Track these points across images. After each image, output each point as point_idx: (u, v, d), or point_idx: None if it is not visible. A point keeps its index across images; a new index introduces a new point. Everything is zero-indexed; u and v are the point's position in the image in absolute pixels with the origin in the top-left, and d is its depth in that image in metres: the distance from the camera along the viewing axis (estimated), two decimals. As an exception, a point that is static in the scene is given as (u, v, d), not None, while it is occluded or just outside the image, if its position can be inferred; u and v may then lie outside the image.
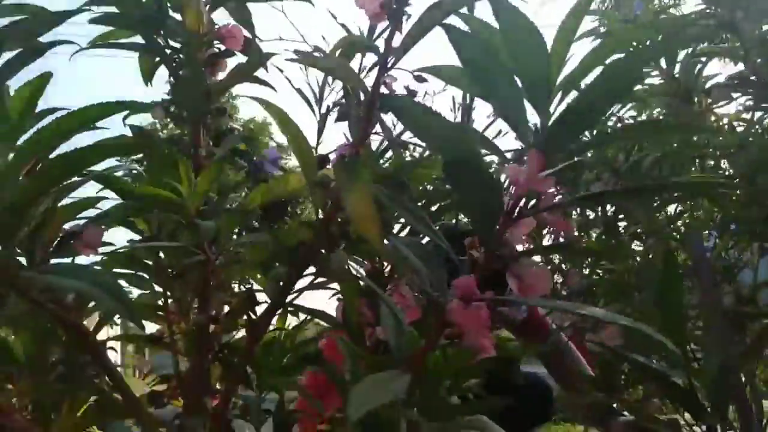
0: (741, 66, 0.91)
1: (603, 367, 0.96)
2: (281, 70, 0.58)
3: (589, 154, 1.05)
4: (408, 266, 0.41)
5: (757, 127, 0.96)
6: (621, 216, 1.05)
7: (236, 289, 0.58)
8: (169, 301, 0.60)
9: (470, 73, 0.40)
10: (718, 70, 0.98)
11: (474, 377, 0.52)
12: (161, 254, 0.54)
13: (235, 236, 0.56)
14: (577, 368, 1.18)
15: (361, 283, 0.51)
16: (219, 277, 0.55)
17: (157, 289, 0.59)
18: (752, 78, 0.88)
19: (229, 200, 0.64)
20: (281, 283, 0.47)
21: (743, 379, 0.61)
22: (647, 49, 0.38)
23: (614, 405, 1.32)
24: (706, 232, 1.19)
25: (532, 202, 0.42)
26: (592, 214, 1.04)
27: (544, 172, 0.40)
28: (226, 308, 0.62)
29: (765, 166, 0.80)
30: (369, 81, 0.44)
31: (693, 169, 0.97)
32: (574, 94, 0.41)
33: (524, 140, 0.42)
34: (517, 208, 0.42)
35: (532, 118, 0.42)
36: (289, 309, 0.66)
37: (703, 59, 0.91)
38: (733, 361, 0.51)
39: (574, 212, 1.06)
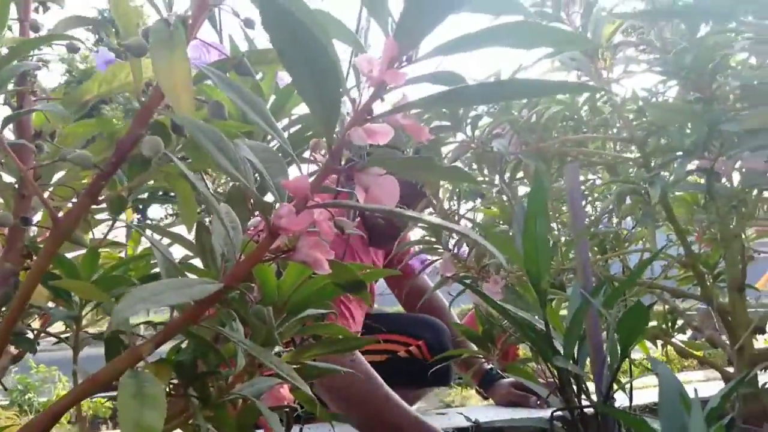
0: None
1: (483, 321, 0.95)
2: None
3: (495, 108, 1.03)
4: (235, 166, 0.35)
5: (659, 92, 0.95)
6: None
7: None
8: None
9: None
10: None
11: (322, 302, 0.48)
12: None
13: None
14: (457, 326, 1.17)
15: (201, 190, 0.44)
16: (38, 174, 0.47)
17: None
18: (657, 43, 0.87)
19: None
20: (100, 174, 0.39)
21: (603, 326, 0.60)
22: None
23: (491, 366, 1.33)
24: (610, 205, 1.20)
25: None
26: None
27: (399, 64, 0.35)
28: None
29: (659, 129, 0.80)
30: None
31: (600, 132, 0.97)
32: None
33: (384, 30, 0.37)
34: (371, 106, 0.36)
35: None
36: (131, 226, 0.59)
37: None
38: (585, 309, 0.49)
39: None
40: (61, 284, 0.44)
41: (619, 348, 0.50)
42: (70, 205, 0.53)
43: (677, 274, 1.24)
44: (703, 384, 1.92)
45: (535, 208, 0.47)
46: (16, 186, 0.49)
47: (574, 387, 0.53)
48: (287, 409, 0.65)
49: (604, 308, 0.52)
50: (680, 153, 0.73)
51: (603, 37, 0.90)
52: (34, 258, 0.46)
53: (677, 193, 1.09)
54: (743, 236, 1.00)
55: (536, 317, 0.54)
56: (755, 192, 0.86)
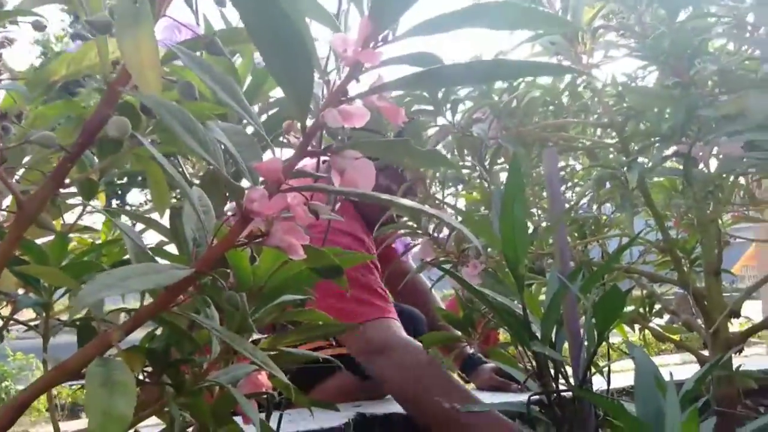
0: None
1: (464, 306, 0.95)
2: None
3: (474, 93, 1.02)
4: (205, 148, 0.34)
5: (638, 77, 0.95)
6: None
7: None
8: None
9: None
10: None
11: (299, 287, 0.47)
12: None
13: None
14: (438, 310, 1.17)
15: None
16: (2, 155, 0.45)
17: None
18: (636, 28, 0.86)
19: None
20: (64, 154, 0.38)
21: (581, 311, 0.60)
22: None
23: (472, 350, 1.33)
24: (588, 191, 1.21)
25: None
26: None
27: (375, 45, 0.34)
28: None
29: (637, 114, 0.80)
30: None
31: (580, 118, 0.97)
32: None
33: (360, 9, 0.36)
34: (346, 87, 0.36)
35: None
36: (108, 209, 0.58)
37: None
38: (562, 294, 0.49)
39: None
40: (27, 270, 0.42)
41: (596, 332, 0.50)
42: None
43: (655, 260, 1.25)
44: (680, 367, 1.95)
45: (513, 192, 0.47)
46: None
47: (552, 371, 0.53)
48: (265, 396, 0.65)
49: (582, 293, 0.52)
50: (658, 138, 0.73)
51: (583, 21, 0.90)
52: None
53: (656, 179, 1.10)
54: (719, 221, 1.02)
55: (515, 302, 0.54)
56: (731, 178, 0.86)
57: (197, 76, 0.34)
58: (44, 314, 0.47)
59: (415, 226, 0.87)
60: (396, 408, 1.21)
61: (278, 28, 0.29)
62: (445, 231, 0.89)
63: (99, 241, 0.68)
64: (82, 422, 1.86)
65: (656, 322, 1.20)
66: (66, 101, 0.46)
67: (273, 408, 0.76)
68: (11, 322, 0.52)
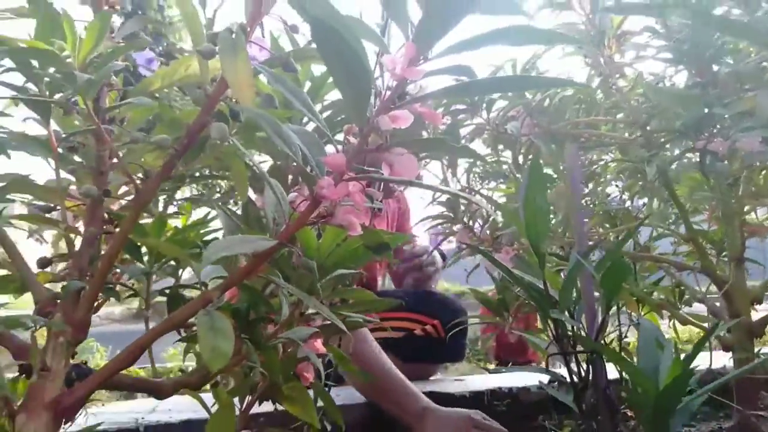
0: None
1: (500, 290, 1.03)
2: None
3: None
4: (288, 145, 0.44)
5: (666, 78, 1.01)
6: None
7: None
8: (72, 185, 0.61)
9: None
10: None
11: (354, 262, 0.56)
12: (54, 127, 0.55)
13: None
14: (475, 293, 1.25)
15: (253, 166, 0.53)
16: (114, 153, 0.56)
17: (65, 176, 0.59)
18: (661, 30, 0.93)
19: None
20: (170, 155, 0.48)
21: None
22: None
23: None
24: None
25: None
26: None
27: (418, 63, 0.43)
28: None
29: (659, 113, 0.86)
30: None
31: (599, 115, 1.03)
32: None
33: (404, 32, 0.44)
34: (394, 97, 0.44)
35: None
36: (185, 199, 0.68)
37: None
38: (577, 269, 0.57)
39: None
40: (147, 242, 0.53)
41: (605, 301, 0.58)
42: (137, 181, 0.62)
43: (686, 251, 1.30)
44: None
45: (534, 183, 0.55)
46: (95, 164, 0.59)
47: (570, 335, 0.61)
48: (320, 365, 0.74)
49: (596, 271, 0.59)
50: (677, 134, 0.80)
51: (612, 25, 0.97)
52: (115, 224, 0.56)
53: (686, 174, 1.16)
54: (743, 213, 1.07)
55: (538, 280, 0.62)
56: (744, 172, 0.92)
57: (278, 90, 0.43)
58: (146, 281, 0.57)
59: (452, 215, 0.95)
60: (430, 387, 1.31)
61: (347, 61, 0.38)
62: (479, 223, 0.98)
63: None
64: (143, 401, 2.00)
65: (685, 311, 1.25)
66: (161, 105, 0.56)
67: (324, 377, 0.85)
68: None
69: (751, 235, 1.28)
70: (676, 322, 1.21)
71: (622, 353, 0.71)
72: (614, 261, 0.55)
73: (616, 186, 1.20)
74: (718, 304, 1.10)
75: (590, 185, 1.13)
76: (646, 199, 1.23)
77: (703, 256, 1.03)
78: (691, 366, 0.55)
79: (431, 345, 1.56)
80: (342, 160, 0.43)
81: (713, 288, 1.13)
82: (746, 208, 1.18)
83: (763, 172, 1.08)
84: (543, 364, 0.96)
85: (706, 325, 1.16)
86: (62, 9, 0.43)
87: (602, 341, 0.64)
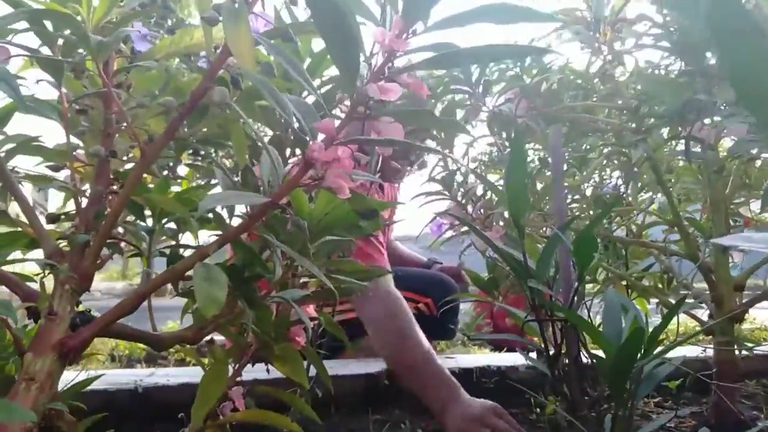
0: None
1: (491, 269, 1.06)
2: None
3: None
4: (282, 108, 0.47)
5: (661, 67, 1.04)
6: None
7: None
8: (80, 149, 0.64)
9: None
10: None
11: (344, 227, 0.59)
12: (64, 89, 0.58)
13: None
14: (468, 272, 1.28)
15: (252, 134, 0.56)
16: (121, 116, 0.59)
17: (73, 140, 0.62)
18: (658, 19, 0.95)
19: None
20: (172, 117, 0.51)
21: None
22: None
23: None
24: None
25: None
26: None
27: (406, 36, 0.46)
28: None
29: (648, 99, 0.89)
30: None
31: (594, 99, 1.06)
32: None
33: (394, 7, 0.47)
34: (384, 68, 0.47)
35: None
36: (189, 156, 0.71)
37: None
38: (554, 241, 0.60)
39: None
40: (150, 197, 0.56)
41: (578, 271, 0.61)
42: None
43: (677, 238, 1.33)
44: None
45: (515, 161, 0.58)
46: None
47: (548, 306, 0.64)
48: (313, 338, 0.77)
49: (573, 245, 0.62)
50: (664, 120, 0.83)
51: (614, 11, 0.99)
52: (121, 183, 0.59)
53: (682, 163, 1.18)
54: (731, 201, 1.09)
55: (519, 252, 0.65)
56: (734, 162, 0.94)
57: (275, 60, 0.46)
58: (149, 239, 0.61)
59: (447, 193, 0.98)
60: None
61: (340, 31, 0.41)
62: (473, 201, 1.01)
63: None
64: (143, 369, 2.04)
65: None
66: (168, 72, 0.59)
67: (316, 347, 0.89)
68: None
69: (746, 226, 1.31)
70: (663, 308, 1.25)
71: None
72: (585, 235, 0.58)
73: (606, 174, 1.23)
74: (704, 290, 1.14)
75: (584, 171, 1.16)
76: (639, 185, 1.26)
77: (687, 242, 1.06)
78: (660, 339, 0.58)
79: (423, 323, 1.61)
80: (332, 125, 0.46)
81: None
82: (740, 200, 1.21)
83: (758, 163, 1.11)
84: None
85: (701, 314, 1.19)
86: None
87: (577, 311, 0.68)
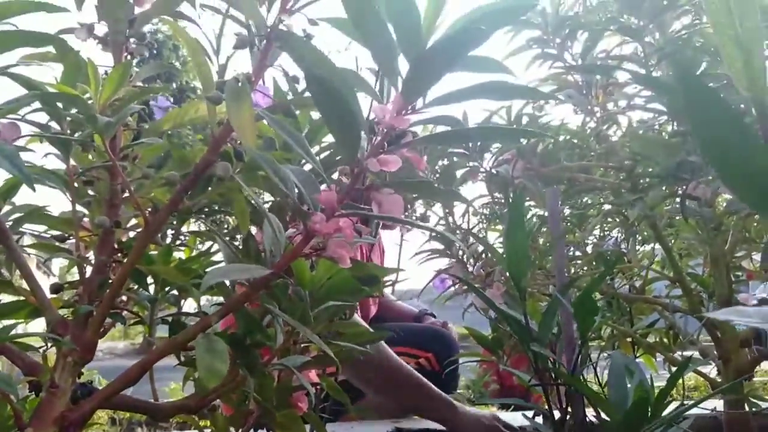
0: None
1: (494, 329, 1.06)
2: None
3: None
4: (284, 182, 0.48)
5: (655, 126, 1.06)
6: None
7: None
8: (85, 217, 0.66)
9: (352, 20, 0.46)
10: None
11: (345, 293, 0.60)
12: (72, 162, 0.59)
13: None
14: (469, 330, 1.28)
15: (253, 202, 0.57)
16: (126, 187, 0.60)
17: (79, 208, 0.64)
18: (648, 78, 0.98)
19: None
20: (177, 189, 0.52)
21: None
22: (499, 14, 0.45)
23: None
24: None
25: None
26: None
27: (405, 113, 0.48)
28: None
29: (642, 159, 0.91)
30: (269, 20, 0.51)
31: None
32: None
33: (394, 85, 0.49)
34: (384, 143, 0.49)
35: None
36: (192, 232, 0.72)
37: (609, 61, 1.01)
38: (555, 304, 0.60)
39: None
40: (154, 269, 0.57)
41: (579, 334, 0.61)
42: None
43: (680, 294, 1.33)
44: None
45: (514, 222, 0.59)
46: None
47: (551, 370, 0.64)
48: (316, 402, 0.77)
49: (573, 306, 0.63)
50: (658, 180, 0.84)
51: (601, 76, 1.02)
52: (124, 253, 0.60)
53: (678, 218, 1.19)
54: (731, 256, 1.10)
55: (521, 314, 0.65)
56: (732, 219, 0.95)
57: (279, 134, 0.48)
58: (151, 308, 0.61)
59: (448, 252, 0.99)
60: (432, 425, 1.32)
61: (340, 111, 0.42)
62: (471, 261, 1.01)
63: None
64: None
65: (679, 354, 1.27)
66: (172, 143, 0.60)
67: (319, 411, 0.88)
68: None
69: (749, 279, 1.31)
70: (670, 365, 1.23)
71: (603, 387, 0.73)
72: (584, 297, 0.58)
73: (606, 229, 1.23)
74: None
75: (582, 228, 1.17)
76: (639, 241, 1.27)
77: (690, 297, 1.06)
78: (668, 401, 0.58)
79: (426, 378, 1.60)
80: (333, 197, 0.47)
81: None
82: (741, 254, 1.21)
83: (757, 218, 1.11)
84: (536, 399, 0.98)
85: (707, 369, 1.17)
86: (87, 57, 0.49)
87: (581, 374, 0.67)
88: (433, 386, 1.17)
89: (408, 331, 1.57)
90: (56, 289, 0.61)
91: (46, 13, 0.52)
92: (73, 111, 0.51)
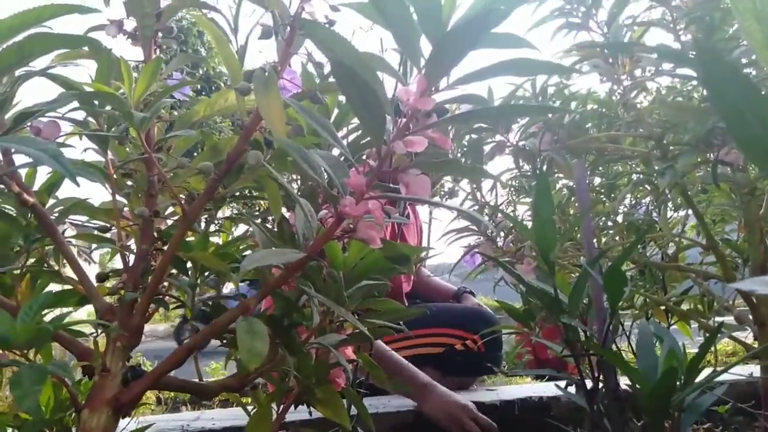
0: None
1: (525, 301, 1.06)
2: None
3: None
4: (311, 167, 0.50)
5: (684, 92, 1.04)
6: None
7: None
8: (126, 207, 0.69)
9: (373, 3, 0.47)
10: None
11: (377, 273, 0.61)
12: (110, 155, 0.62)
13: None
14: (502, 304, 1.28)
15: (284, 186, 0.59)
16: (162, 176, 0.63)
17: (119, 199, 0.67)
18: (670, 51, 0.96)
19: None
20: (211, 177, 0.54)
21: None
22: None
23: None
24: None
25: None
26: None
27: (428, 93, 0.48)
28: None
29: (672, 126, 0.89)
30: (292, 9, 0.51)
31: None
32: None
33: (417, 66, 0.50)
34: (409, 124, 0.50)
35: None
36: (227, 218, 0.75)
37: (635, 27, 0.99)
38: (585, 276, 0.61)
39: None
40: (192, 256, 0.59)
41: (609, 305, 0.61)
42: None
43: (714, 261, 1.31)
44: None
45: (541, 196, 0.59)
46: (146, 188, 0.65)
47: (582, 341, 0.64)
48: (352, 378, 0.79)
49: (603, 278, 0.63)
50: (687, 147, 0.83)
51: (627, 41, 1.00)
52: (164, 241, 0.62)
53: (710, 185, 1.17)
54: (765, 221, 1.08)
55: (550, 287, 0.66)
56: (762, 179, 0.94)
57: (305, 120, 0.49)
58: (191, 292, 0.64)
59: (475, 228, 1.00)
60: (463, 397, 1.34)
61: (365, 96, 0.43)
62: (501, 235, 1.02)
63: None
64: (189, 413, 2.07)
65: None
66: (203, 133, 0.62)
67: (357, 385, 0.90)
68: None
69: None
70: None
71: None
72: (612, 268, 0.59)
73: (637, 198, 1.22)
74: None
75: (612, 198, 1.16)
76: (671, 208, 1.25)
77: (723, 264, 1.04)
78: (701, 367, 0.58)
79: (471, 359, 1.63)
80: (362, 181, 0.48)
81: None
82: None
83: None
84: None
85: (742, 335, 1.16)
86: (120, 55, 0.50)
87: (612, 344, 0.68)
88: (414, 371, 1.28)
89: (448, 312, 1.60)
90: (102, 278, 0.64)
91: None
92: (108, 108, 0.53)
